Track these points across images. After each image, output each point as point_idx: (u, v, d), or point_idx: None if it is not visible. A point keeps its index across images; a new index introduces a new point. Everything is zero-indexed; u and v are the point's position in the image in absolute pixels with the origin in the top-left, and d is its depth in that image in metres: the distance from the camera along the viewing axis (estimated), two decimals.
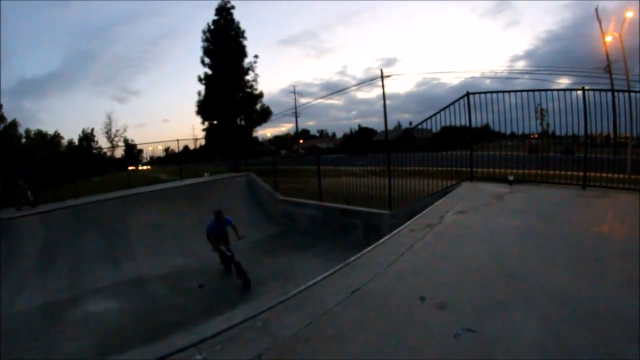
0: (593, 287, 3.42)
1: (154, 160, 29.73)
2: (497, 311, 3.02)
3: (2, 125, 30.11)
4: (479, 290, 3.43)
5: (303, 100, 77.11)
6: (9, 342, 6.48)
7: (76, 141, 48.44)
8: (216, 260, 9.76)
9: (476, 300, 3.22)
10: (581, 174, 8.32)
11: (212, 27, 22.29)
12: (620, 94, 8.53)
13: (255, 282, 8.73)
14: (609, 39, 23.76)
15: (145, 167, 29.20)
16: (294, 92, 56.72)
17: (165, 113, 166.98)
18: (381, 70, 43.50)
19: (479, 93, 8.83)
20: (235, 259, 8.94)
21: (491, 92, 8.68)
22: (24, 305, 8.13)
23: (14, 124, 31.76)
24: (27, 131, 41.48)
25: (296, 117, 57.34)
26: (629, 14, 21.80)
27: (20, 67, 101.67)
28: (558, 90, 8.61)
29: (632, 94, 8.24)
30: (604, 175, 8.64)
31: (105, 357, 6.05)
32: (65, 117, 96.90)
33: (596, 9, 24.55)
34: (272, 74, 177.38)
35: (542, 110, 9.37)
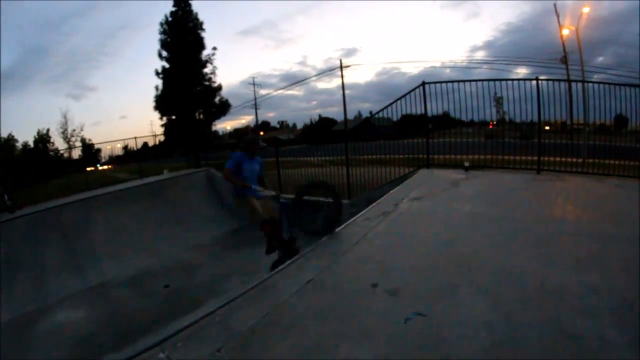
0: (542, 268, 3.59)
1: (113, 159, 28.97)
2: (447, 295, 3.12)
3: None
4: (430, 275, 3.54)
5: (263, 92, 76.48)
6: None
7: (31, 143, 46.79)
8: (179, 258, 9.56)
9: (427, 285, 3.32)
10: (537, 158, 8.64)
11: (169, 18, 21.69)
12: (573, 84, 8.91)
13: (220, 278, 8.68)
14: (565, 32, 25.27)
15: (104, 167, 28.44)
16: (254, 84, 56.29)
17: (122, 109, 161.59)
18: (340, 60, 43.73)
19: (435, 83, 9.07)
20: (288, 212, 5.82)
21: (447, 82, 8.98)
22: None
23: None
24: None
25: (256, 109, 56.72)
26: (586, 10, 23.54)
27: None
28: (512, 80, 8.90)
29: (586, 84, 8.63)
30: (559, 159, 8.98)
31: None
32: (18, 118, 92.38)
33: (555, 4, 26.17)
34: (231, 65, 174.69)
35: (498, 98, 9.69)
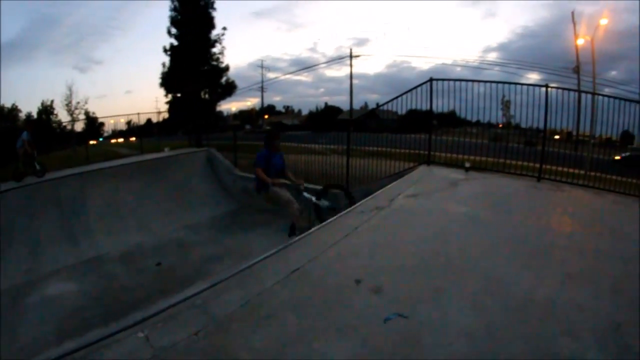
0: (532, 280, 3.50)
1: (115, 134, 28.87)
2: (431, 298, 3.06)
3: None
4: (416, 276, 3.46)
5: (271, 75, 75.98)
6: None
7: (35, 114, 46.61)
8: (173, 236, 9.62)
9: (412, 286, 3.25)
10: (539, 166, 8.57)
11: None
12: (583, 94, 8.85)
13: (213, 259, 8.70)
14: (581, 41, 25.01)
15: (111, 140, 28.34)
16: (262, 67, 56.45)
17: (128, 84, 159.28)
18: (350, 49, 43.59)
19: (443, 80, 8.94)
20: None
21: (455, 80, 8.82)
22: None
23: None
24: None
25: (262, 92, 57.05)
26: (603, 21, 23.05)
27: None
28: (521, 84, 8.82)
29: (596, 97, 8.59)
30: (561, 169, 8.91)
31: (65, 340, 5.92)
32: (23, 88, 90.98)
33: (572, 12, 25.82)
34: (241, 46, 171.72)
35: (506, 102, 9.63)
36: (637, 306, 3.09)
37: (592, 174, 9.34)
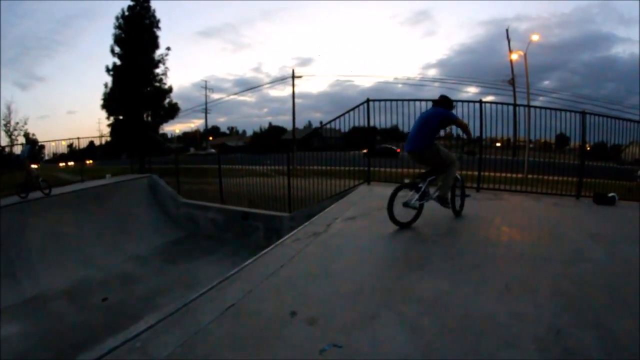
0: (469, 294, 3.61)
1: (57, 157, 27.76)
2: (366, 325, 3.12)
3: None
4: (351, 303, 3.53)
5: (215, 96, 76.24)
6: None
7: None
8: (118, 269, 9.39)
9: (347, 314, 3.31)
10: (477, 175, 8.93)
11: (126, 13, 21.18)
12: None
13: (160, 292, 8.51)
14: (515, 56, 27.19)
15: (54, 164, 27.23)
16: (205, 88, 56.30)
17: (71, 104, 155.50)
18: (292, 70, 44.05)
19: (379, 100, 9.51)
20: None
21: (390, 100, 9.38)
22: None
23: None
24: None
25: (206, 114, 56.88)
26: (535, 37, 25.97)
27: None
28: (456, 101, 9.31)
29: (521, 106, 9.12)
30: (500, 175, 9.29)
31: None
32: None
33: (507, 30, 28.12)
34: (185, 66, 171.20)
35: None
36: (576, 308, 3.28)
37: (531, 176, 9.81)
